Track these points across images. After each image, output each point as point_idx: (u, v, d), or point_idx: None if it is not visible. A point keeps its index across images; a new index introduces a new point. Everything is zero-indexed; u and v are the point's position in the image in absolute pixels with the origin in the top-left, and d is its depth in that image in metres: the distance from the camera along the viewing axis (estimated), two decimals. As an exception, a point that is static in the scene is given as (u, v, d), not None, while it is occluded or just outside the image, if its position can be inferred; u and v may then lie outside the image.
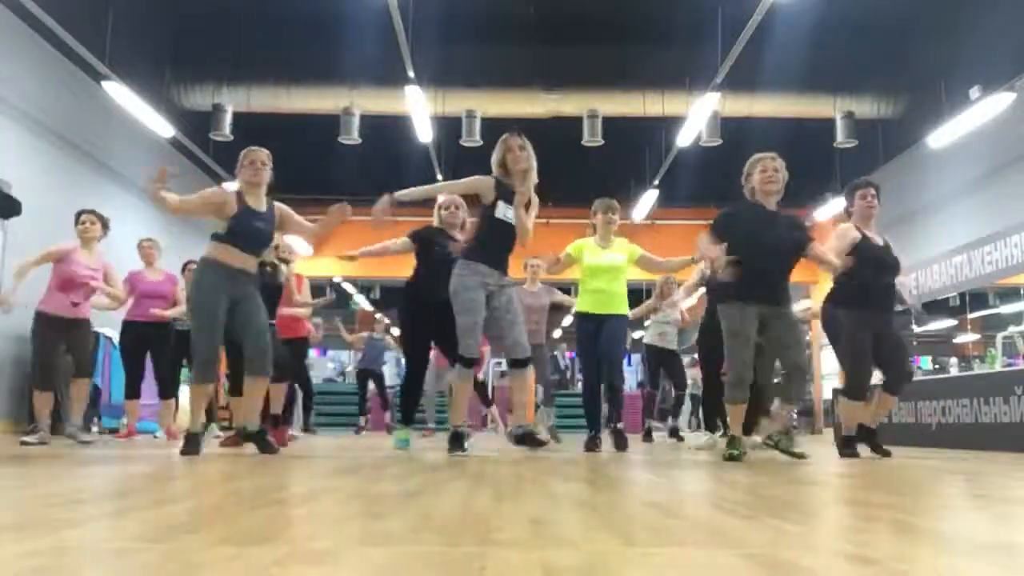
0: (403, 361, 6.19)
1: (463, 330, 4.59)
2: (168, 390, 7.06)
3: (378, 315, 13.92)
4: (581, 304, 5.60)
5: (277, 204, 4.63)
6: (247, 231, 4.40)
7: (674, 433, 7.75)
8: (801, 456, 4.34)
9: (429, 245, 5.34)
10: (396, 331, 12.06)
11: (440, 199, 5.42)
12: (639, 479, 3.01)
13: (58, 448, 5.08)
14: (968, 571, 1.16)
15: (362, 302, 21.98)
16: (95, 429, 9.11)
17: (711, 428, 6.64)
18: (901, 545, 1.36)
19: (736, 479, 2.93)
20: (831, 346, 5.29)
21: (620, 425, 5.64)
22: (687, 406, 15.73)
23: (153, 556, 1.19)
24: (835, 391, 8.70)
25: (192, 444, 4.32)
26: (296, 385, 7.28)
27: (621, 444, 5.45)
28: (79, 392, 5.90)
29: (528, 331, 7.17)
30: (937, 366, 14.77)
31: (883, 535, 1.48)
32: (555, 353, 16.45)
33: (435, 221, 5.51)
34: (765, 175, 4.40)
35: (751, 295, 4.33)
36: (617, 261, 5.54)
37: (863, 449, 4.98)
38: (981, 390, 6.52)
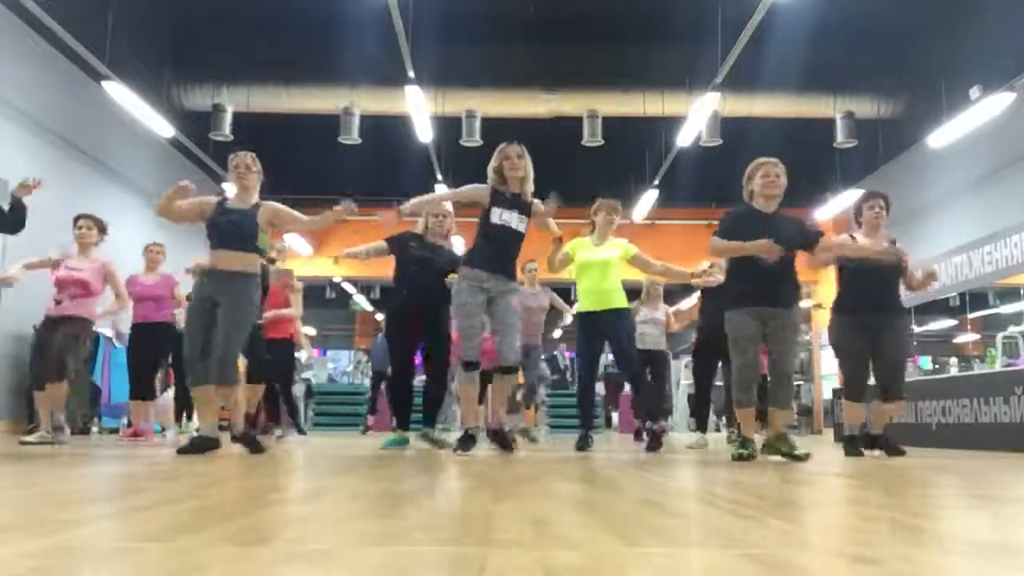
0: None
1: (461, 335, 4.71)
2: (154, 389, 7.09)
3: (379, 315, 13.91)
4: (581, 304, 5.59)
5: (264, 202, 4.66)
6: (217, 226, 4.48)
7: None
8: (801, 457, 4.21)
9: (403, 249, 5.42)
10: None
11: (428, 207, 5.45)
12: (639, 479, 3.01)
13: (57, 448, 5.07)
14: (968, 571, 1.16)
15: (362, 302, 21.99)
16: (95, 429, 9.13)
17: (702, 428, 6.84)
18: (901, 545, 1.36)
19: (736, 479, 2.93)
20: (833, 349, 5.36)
21: (656, 426, 5.65)
22: (682, 405, 15.71)
23: (153, 556, 1.19)
24: (835, 391, 8.73)
25: (205, 443, 4.35)
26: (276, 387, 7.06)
27: (653, 445, 5.44)
28: (53, 396, 5.62)
29: (528, 333, 7.22)
30: (937, 366, 14.76)
31: (883, 535, 1.48)
32: (555, 353, 16.44)
33: (419, 227, 5.56)
34: (767, 180, 4.40)
35: (752, 300, 4.32)
36: (607, 256, 5.51)
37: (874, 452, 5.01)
38: (981, 390, 6.52)
